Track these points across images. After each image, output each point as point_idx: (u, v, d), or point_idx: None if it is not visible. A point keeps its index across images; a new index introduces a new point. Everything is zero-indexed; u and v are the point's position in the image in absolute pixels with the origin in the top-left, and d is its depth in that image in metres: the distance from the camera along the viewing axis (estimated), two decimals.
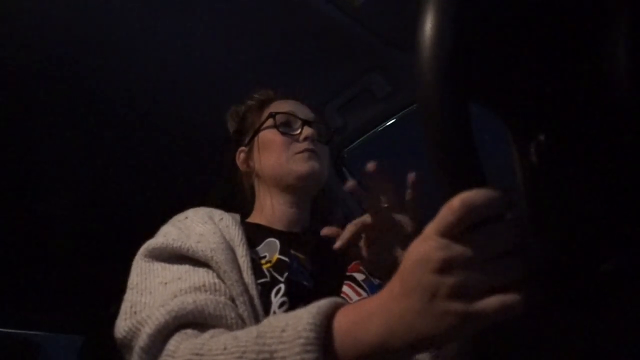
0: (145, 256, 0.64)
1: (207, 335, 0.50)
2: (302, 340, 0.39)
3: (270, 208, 0.82)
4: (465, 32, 0.34)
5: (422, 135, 0.34)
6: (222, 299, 0.57)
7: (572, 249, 0.36)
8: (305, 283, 0.69)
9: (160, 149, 1.47)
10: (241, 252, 0.66)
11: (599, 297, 0.40)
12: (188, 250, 0.62)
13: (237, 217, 0.78)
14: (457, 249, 0.33)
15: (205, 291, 0.58)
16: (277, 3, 1.00)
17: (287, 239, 0.77)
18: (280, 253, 0.72)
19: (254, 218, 0.85)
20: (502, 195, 0.32)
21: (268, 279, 0.66)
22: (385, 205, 0.60)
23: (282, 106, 0.85)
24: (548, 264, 0.35)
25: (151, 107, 1.30)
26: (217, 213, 0.74)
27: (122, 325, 0.55)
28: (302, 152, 0.79)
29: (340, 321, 0.41)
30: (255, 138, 0.85)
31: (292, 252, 0.74)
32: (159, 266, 0.63)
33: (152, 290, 0.59)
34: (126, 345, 0.54)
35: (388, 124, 1.27)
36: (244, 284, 0.61)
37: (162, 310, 0.52)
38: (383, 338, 0.37)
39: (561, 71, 0.38)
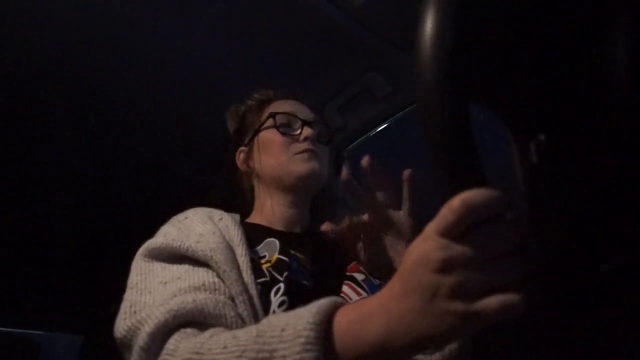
0: (145, 256, 0.64)
1: (206, 334, 0.50)
2: (302, 340, 0.39)
3: (270, 208, 0.82)
4: (465, 32, 0.34)
5: (422, 135, 0.34)
6: (222, 298, 0.57)
7: (572, 249, 0.36)
8: (304, 283, 0.69)
9: (160, 149, 1.47)
10: (241, 251, 0.66)
11: (599, 297, 0.40)
12: (188, 250, 0.62)
13: (237, 217, 0.78)
14: (457, 249, 0.33)
15: (205, 290, 0.58)
16: (277, 3, 1.00)
17: (287, 239, 0.77)
18: (280, 253, 0.72)
19: (254, 218, 0.85)
20: (502, 195, 0.32)
21: (267, 279, 0.66)
22: (383, 203, 0.60)
23: (282, 106, 0.85)
24: (548, 264, 0.35)
25: (151, 107, 1.30)
26: (217, 213, 0.74)
27: (121, 325, 0.55)
28: (302, 152, 0.79)
29: (340, 320, 0.40)
30: (255, 138, 0.85)
31: (292, 252, 0.74)
32: (158, 266, 0.63)
33: (151, 290, 0.59)
34: (126, 344, 0.54)
35: (388, 124, 1.27)
36: (244, 284, 0.61)
37: (162, 309, 0.52)
38: (383, 338, 0.37)
39: (561, 71, 0.38)
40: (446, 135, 0.32)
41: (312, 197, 0.86)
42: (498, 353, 0.60)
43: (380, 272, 0.62)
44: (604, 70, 0.36)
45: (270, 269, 0.68)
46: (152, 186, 1.61)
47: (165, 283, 0.59)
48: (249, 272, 0.63)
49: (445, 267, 0.33)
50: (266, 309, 0.62)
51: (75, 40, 1.07)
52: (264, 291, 0.64)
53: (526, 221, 0.36)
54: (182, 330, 0.52)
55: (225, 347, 0.44)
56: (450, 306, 0.33)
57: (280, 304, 0.63)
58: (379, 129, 1.29)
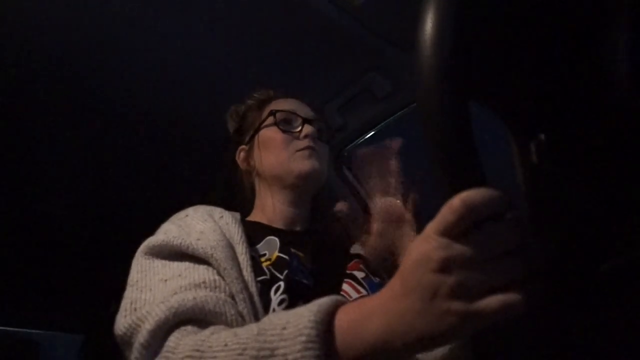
0: (146, 253, 0.65)
1: (207, 332, 0.50)
2: (303, 338, 0.39)
3: (271, 206, 0.82)
4: (465, 32, 0.34)
5: (422, 135, 0.34)
6: (222, 296, 0.57)
7: (572, 249, 0.36)
8: (304, 281, 0.69)
9: (160, 149, 1.47)
10: (241, 249, 0.66)
11: (599, 297, 0.40)
12: (188, 247, 0.62)
13: (237, 215, 0.78)
14: (458, 249, 0.33)
15: (206, 288, 0.58)
16: (277, 3, 1.00)
17: (287, 237, 0.77)
18: (280, 251, 0.72)
19: (254, 216, 0.85)
20: (502, 194, 0.32)
21: (267, 277, 0.66)
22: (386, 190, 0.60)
23: (282, 104, 0.86)
24: (548, 264, 0.35)
25: (151, 106, 1.30)
26: (217, 211, 0.75)
27: (122, 322, 0.55)
28: (302, 149, 0.79)
29: (341, 319, 0.41)
30: (256, 136, 0.85)
31: (292, 250, 0.74)
32: (159, 263, 0.63)
33: (152, 287, 0.59)
34: (126, 341, 0.54)
35: (388, 124, 1.27)
36: (244, 282, 0.61)
37: (162, 306, 0.52)
38: (383, 337, 0.37)
39: (561, 71, 0.38)
40: (446, 135, 0.32)
41: (312, 195, 0.86)
42: (498, 353, 0.60)
43: (383, 269, 0.63)
44: (604, 70, 0.36)
45: (271, 267, 0.68)
46: (152, 186, 1.61)
47: (166, 280, 0.59)
48: (249, 270, 0.63)
49: (446, 266, 0.33)
50: (266, 307, 0.62)
51: (75, 40, 1.07)
52: (264, 289, 0.64)
53: (526, 221, 0.36)
54: (183, 327, 0.52)
55: (226, 345, 0.44)
56: (450, 306, 0.33)
57: (280, 302, 0.63)
58: (379, 128, 1.29)
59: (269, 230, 0.78)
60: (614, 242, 0.37)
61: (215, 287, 0.59)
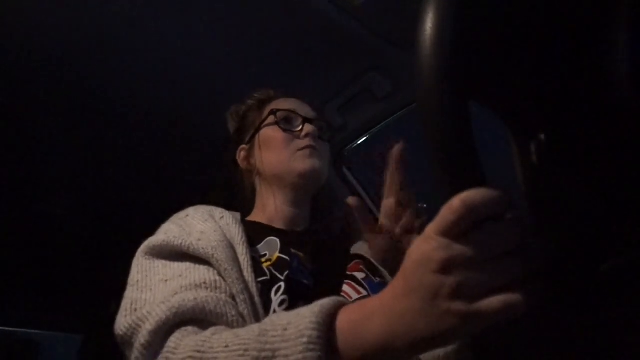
0: (146, 254, 0.64)
1: (208, 332, 0.50)
2: (304, 339, 0.39)
3: (272, 206, 0.82)
4: (465, 32, 0.34)
5: (422, 135, 0.34)
6: (223, 296, 0.57)
7: (572, 248, 0.36)
8: (305, 282, 0.69)
9: (161, 149, 1.47)
10: (241, 250, 0.66)
11: (599, 297, 0.40)
12: (189, 247, 0.62)
13: (238, 215, 0.78)
14: (458, 249, 0.33)
15: (206, 288, 0.58)
16: (277, 3, 1.00)
17: (288, 237, 0.77)
18: (281, 252, 0.72)
19: (255, 216, 0.85)
20: (502, 194, 0.32)
21: (268, 277, 0.66)
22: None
23: (283, 104, 0.86)
24: (548, 264, 0.35)
25: (151, 107, 1.30)
26: (218, 211, 0.75)
27: (122, 322, 0.55)
28: (303, 149, 0.79)
29: (343, 320, 0.41)
30: (257, 135, 0.85)
31: (293, 250, 0.74)
32: (159, 264, 0.63)
33: (152, 288, 0.59)
34: (127, 342, 0.54)
35: (388, 123, 1.27)
36: (245, 282, 0.61)
37: (163, 306, 0.52)
38: (385, 337, 0.37)
39: (561, 71, 0.38)
40: (446, 135, 0.32)
41: (312, 195, 0.86)
42: (497, 352, 0.60)
43: (388, 260, 0.63)
44: (604, 70, 0.36)
45: (271, 267, 0.68)
46: (152, 186, 1.61)
47: (166, 281, 0.59)
48: (250, 270, 0.63)
49: (446, 267, 0.33)
50: (267, 308, 0.62)
51: (75, 41, 1.07)
52: (265, 290, 0.64)
53: (526, 221, 0.36)
54: (183, 328, 0.52)
55: (227, 346, 0.44)
56: (451, 306, 0.33)
57: (281, 303, 0.63)
58: (379, 128, 1.29)
59: (269, 230, 0.78)
60: (614, 242, 0.37)
61: (216, 288, 0.59)
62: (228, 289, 0.59)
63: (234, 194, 0.92)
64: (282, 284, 0.65)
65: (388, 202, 0.64)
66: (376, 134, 1.30)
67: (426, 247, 0.34)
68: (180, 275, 0.60)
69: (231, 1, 1.00)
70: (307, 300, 0.44)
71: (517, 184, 0.38)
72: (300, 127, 0.82)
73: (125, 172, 1.56)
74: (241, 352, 0.42)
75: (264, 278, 0.65)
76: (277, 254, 0.72)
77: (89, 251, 1.97)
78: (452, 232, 0.33)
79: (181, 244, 0.63)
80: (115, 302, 0.62)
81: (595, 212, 0.36)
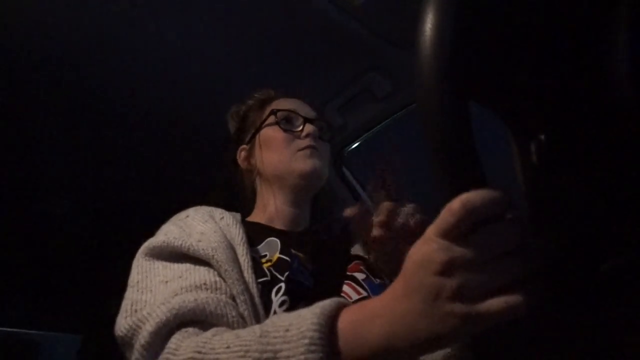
0: (146, 255, 0.64)
1: (209, 333, 0.50)
2: (306, 340, 0.39)
3: (272, 206, 0.82)
4: (465, 32, 0.34)
5: (422, 135, 0.34)
6: (223, 297, 0.57)
7: (572, 249, 0.36)
8: (305, 282, 0.69)
9: (161, 149, 1.47)
10: (242, 251, 0.66)
11: (599, 297, 0.40)
12: (189, 248, 0.62)
13: (238, 216, 0.78)
14: (458, 251, 0.33)
15: (206, 289, 0.58)
16: (277, 3, 1.00)
17: (288, 238, 0.77)
18: (281, 252, 0.72)
19: (255, 217, 0.85)
20: (502, 195, 0.32)
21: (268, 278, 0.66)
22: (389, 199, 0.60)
23: (283, 104, 0.86)
24: (548, 264, 0.35)
25: (152, 107, 1.30)
26: (218, 212, 0.74)
27: (122, 323, 0.54)
28: (303, 149, 0.79)
29: (344, 321, 0.41)
30: (257, 135, 0.85)
31: (293, 251, 0.74)
32: (159, 265, 0.63)
33: (152, 289, 0.59)
34: (127, 343, 0.54)
35: (388, 123, 1.27)
36: (245, 283, 0.61)
37: (163, 308, 0.52)
38: (386, 339, 0.37)
39: (561, 71, 0.38)
40: (446, 136, 0.32)
41: (312, 195, 0.86)
42: (497, 352, 0.60)
43: (386, 272, 0.63)
44: (604, 70, 0.36)
45: (271, 268, 0.68)
46: (152, 186, 1.61)
47: (167, 282, 0.59)
48: (250, 271, 0.63)
49: (447, 269, 0.33)
50: (267, 309, 0.62)
51: (75, 41, 1.07)
52: (265, 291, 0.64)
53: (526, 221, 0.36)
54: (184, 329, 0.52)
55: (228, 347, 0.44)
56: (452, 308, 0.33)
57: (281, 304, 0.63)
58: (379, 128, 1.29)
59: (269, 231, 0.78)
60: (614, 242, 0.37)
61: (216, 289, 0.59)
62: (228, 289, 0.59)
63: (234, 194, 0.92)
64: (283, 284, 0.65)
65: (378, 220, 0.64)
66: (376, 134, 1.30)
67: (426, 248, 0.34)
68: (180, 276, 0.60)
69: (231, 1, 1.00)
70: (308, 301, 0.44)
71: (517, 184, 0.38)
72: (301, 127, 0.82)
73: (125, 172, 1.56)
74: (242, 353, 0.42)
75: (264, 279, 0.65)
76: (277, 255, 0.72)
77: (89, 251, 1.97)
78: (453, 234, 0.33)
79: (181, 244, 0.63)
80: (115, 302, 0.62)
81: (595, 212, 0.36)
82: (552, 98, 0.38)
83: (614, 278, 0.37)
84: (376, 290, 0.71)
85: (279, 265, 0.69)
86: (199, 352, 0.46)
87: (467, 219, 0.32)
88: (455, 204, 0.32)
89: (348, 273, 0.75)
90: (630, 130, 0.35)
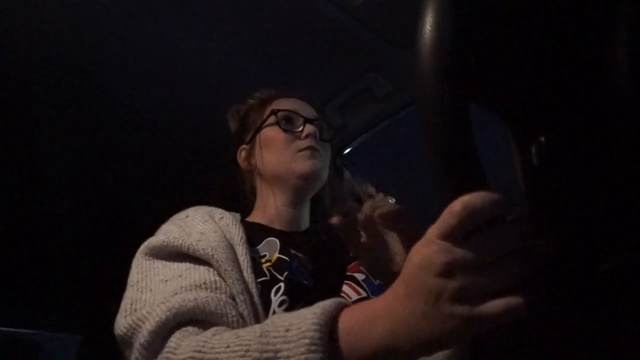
0: (146, 254, 0.64)
1: (209, 333, 0.50)
2: (306, 340, 0.39)
3: (272, 206, 0.82)
4: (465, 32, 0.34)
5: (422, 136, 0.33)
6: (223, 297, 0.57)
7: (572, 249, 0.36)
8: (305, 282, 0.69)
9: (161, 149, 1.47)
10: (241, 250, 0.66)
11: (599, 297, 0.40)
12: (189, 248, 0.62)
13: (238, 216, 0.78)
14: (459, 253, 0.33)
15: (206, 289, 0.58)
16: (277, 3, 1.00)
17: (288, 238, 0.77)
18: (281, 252, 0.72)
19: (255, 217, 0.85)
20: (503, 197, 0.32)
21: (268, 278, 0.66)
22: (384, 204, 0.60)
23: (284, 104, 0.85)
24: (549, 265, 0.35)
25: (152, 107, 1.30)
26: (218, 212, 0.75)
27: (122, 322, 0.55)
28: (304, 150, 0.79)
29: (345, 322, 0.41)
30: (257, 135, 0.85)
31: (293, 251, 0.74)
32: (159, 264, 0.63)
33: (152, 288, 0.59)
34: (126, 342, 0.54)
35: (388, 123, 1.27)
36: (244, 283, 0.61)
37: (163, 307, 0.52)
38: (387, 340, 0.37)
39: (561, 71, 0.38)
40: (447, 137, 0.32)
41: (312, 196, 0.86)
42: (498, 353, 0.60)
43: (381, 274, 0.63)
44: (605, 71, 0.36)
45: (271, 268, 0.68)
46: (152, 186, 1.61)
47: (166, 281, 0.59)
48: (250, 271, 0.63)
49: (448, 270, 0.33)
50: (266, 308, 0.62)
51: (75, 40, 1.07)
52: (264, 290, 0.64)
53: (527, 222, 0.36)
54: (184, 328, 0.52)
55: (228, 347, 0.44)
56: (453, 310, 0.33)
57: (281, 304, 0.63)
58: (379, 128, 1.29)
59: (269, 231, 0.78)
60: (614, 242, 0.37)
61: (216, 288, 0.59)
62: (228, 289, 0.59)
63: (234, 194, 0.92)
64: (282, 284, 0.65)
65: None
66: (376, 134, 1.30)
67: (427, 250, 0.34)
68: (180, 276, 0.60)
69: (232, 1, 1.00)
70: (307, 300, 0.44)
71: (517, 185, 0.38)
72: (301, 127, 0.82)
73: (126, 172, 1.56)
74: (242, 353, 0.42)
75: (264, 278, 0.65)
76: (276, 255, 0.72)
77: (89, 251, 1.97)
78: (453, 236, 0.33)
79: (181, 244, 0.63)
80: (115, 302, 0.62)
81: (595, 213, 0.36)
82: (552, 99, 0.38)
83: (614, 278, 0.37)
84: (376, 290, 0.71)
85: (278, 265, 0.69)
86: (199, 352, 0.46)
87: (468, 220, 0.32)
88: (456, 206, 0.32)
89: (348, 273, 0.75)
90: (630, 131, 0.35)
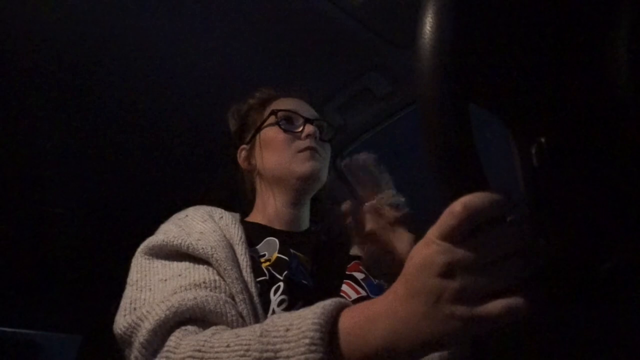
0: (145, 253, 0.64)
1: (208, 332, 0.50)
2: (307, 340, 0.39)
3: (272, 206, 0.82)
4: (465, 32, 0.34)
5: (422, 136, 0.33)
6: (223, 296, 0.57)
7: (573, 249, 0.36)
8: (304, 282, 0.69)
9: (161, 149, 1.47)
10: (240, 250, 0.66)
11: (599, 297, 0.40)
12: (188, 247, 0.62)
13: (237, 216, 0.78)
14: (460, 253, 0.33)
15: (206, 288, 0.58)
16: (277, 3, 1.00)
17: (287, 238, 0.77)
18: (280, 252, 0.72)
19: (254, 217, 0.85)
20: (503, 197, 0.32)
21: (267, 277, 0.66)
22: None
23: (284, 104, 0.85)
24: (549, 265, 0.35)
25: (152, 106, 1.30)
26: (217, 212, 0.75)
27: (121, 321, 0.55)
28: (303, 150, 0.79)
29: (345, 322, 0.40)
30: (257, 136, 0.85)
31: (292, 251, 0.74)
32: (158, 263, 0.63)
33: (151, 287, 0.59)
34: (126, 341, 0.54)
35: (388, 123, 1.27)
36: (244, 282, 0.61)
37: (163, 306, 0.52)
38: (388, 340, 0.37)
39: (562, 72, 0.38)
40: (447, 137, 0.32)
41: (312, 196, 0.86)
42: (498, 352, 0.60)
43: (380, 274, 0.63)
44: (605, 72, 0.36)
45: (270, 267, 0.68)
46: (152, 186, 1.61)
47: (166, 280, 0.59)
48: (249, 270, 0.63)
49: (448, 271, 0.33)
50: (266, 308, 0.62)
51: (76, 41, 1.07)
52: (264, 290, 0.64)
53: (527, 223, 0.36)
54: (183, 327, 0.52)
55: (228, 346, 0.44)
56: (454, 310, 0.33)
57: (280, 303, 0.63)
58: (379, 128, 1.29)
59: (268, 231, 0.78)
60: (614, 242, 0.37)
61: (216, 288, 0.59)
62: (227, 288, 0.59)
63: (234, 194, 0.92)
64: (281, 284, 0.65)
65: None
66: (376, 134, 1.30)
67: (428, 251, 0.34)
68: (179, 275, 0.60)
69: (232, 1, 1.00)
70: (306, 300, 0.44)
71: (518, 186, 0.38)
72: (301, 127, 0.82)
73: (125, 172, 1.56)
74: (242, 352, 0.42)
75: (263, 278, 0.66)
76: (276, 254, 0.72)
77: (89, 251, 1.97)
78: (454, 236, 0.33)
79: (180, 243, 0.63)
80: (115, 302, 0.62)
81: (595, 213, 0.36)
82: (552, 99, 0.38)
83: (614, 278, 0.37)
84: (375, 289, 0.71)
85: (277, 264, 0.69)
86: (199, 351, 0.46)
87: (468, 221, 0.32)
88: (457, 206, 0.32)
89: (347, 272, 0.75)
90: (631, 131, 0.35)
